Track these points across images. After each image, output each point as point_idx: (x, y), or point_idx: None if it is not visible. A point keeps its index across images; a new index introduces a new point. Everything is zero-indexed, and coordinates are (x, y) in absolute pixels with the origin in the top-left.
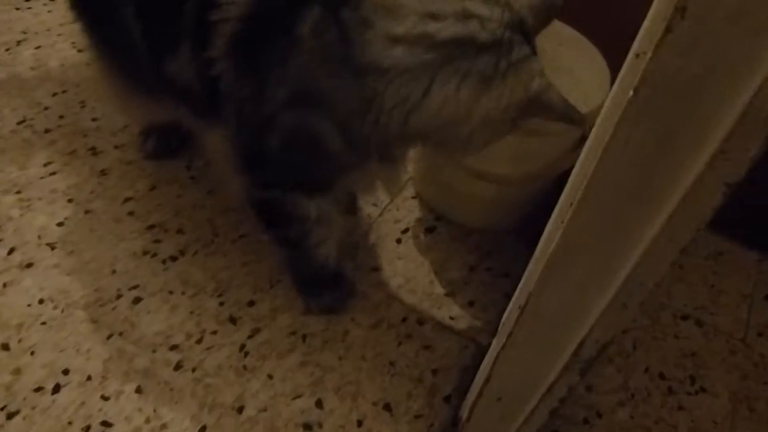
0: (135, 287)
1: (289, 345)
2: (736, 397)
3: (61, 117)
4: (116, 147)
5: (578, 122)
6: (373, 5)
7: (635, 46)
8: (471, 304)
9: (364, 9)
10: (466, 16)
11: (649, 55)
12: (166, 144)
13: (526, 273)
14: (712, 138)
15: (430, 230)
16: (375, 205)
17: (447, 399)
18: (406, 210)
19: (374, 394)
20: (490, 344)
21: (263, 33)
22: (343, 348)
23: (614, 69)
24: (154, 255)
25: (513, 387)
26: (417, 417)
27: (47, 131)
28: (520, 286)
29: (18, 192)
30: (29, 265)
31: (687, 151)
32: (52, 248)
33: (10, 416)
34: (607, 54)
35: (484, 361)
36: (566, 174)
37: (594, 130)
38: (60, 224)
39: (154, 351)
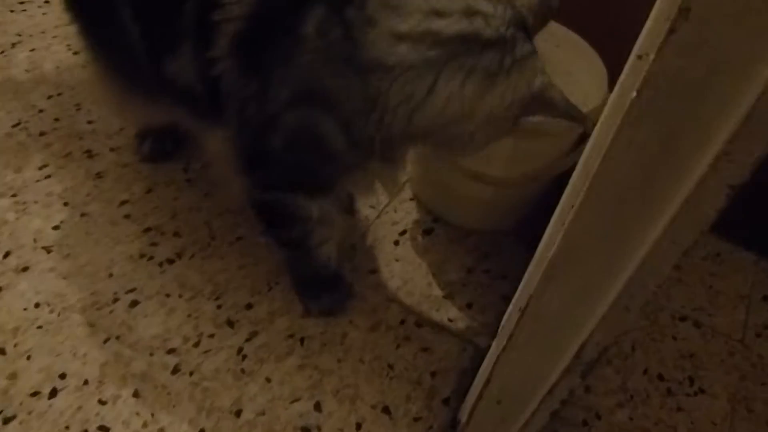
0: (132, 290)
1: (287, 348)
2: (735, 398)
3: (56, 120)
4: (112, 150)
5: (579, 120)
6: (378, 3)
7: (637, 47)
8: (469, 305)
9: (368, 7)
10: (470, 12)
11: (652, 56)
12: (162, 146)
13: (526, 275)
14: (715, 140)
15: (427, 232)
16: (372, 207)
17: (446, 401)
18: (404, 212)
19: (373, 396)
20: (488, 346)
21: (267, 32)
22: (342, 351)
23: (611, 70)
24: (151, 258)
25: (513, 389)
26: (416, 420)
27: (42, 134)
28: (520, 288)
29: (13, 195)
30: (25, 269)
31: (690, 152)
32: (48, 252)
33: (6, 421)
34: (604, 55)
35: (484, 363)
36: (564, 175)
37: (596, 131)
38: (56, 228)
39: (151, 355)
